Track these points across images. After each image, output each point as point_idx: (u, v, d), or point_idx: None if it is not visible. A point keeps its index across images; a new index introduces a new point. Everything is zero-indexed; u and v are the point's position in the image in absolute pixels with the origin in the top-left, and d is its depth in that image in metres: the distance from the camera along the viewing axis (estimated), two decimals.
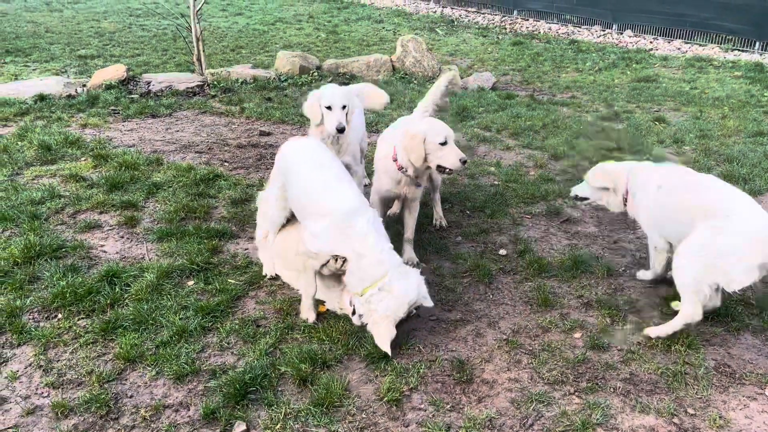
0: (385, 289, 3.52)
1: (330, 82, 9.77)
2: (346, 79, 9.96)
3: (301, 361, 3.41)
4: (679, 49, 13.21)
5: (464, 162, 4.15)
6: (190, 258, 4.41)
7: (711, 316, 3.89)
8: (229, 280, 4.22)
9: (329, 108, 4.55)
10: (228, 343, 3.64)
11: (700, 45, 13.20)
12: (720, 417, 3.11)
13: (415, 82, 10.17)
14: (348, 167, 4.84)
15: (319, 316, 3.90)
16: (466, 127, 7.83)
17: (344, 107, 4.55)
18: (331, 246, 3.64)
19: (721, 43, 13.00)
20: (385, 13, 18.34)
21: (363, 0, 20.72)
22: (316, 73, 10.09)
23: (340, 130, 4.51)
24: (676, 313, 3.69)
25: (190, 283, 4.20)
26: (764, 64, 11.49)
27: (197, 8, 9.38)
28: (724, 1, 12.82)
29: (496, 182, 6.06)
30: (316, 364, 3.43)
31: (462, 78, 10.62)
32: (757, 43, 12.42)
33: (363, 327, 3.61)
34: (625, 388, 3.32)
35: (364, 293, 3.55)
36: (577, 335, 3.76)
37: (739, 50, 12.62)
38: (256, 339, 3.66)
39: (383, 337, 3.45)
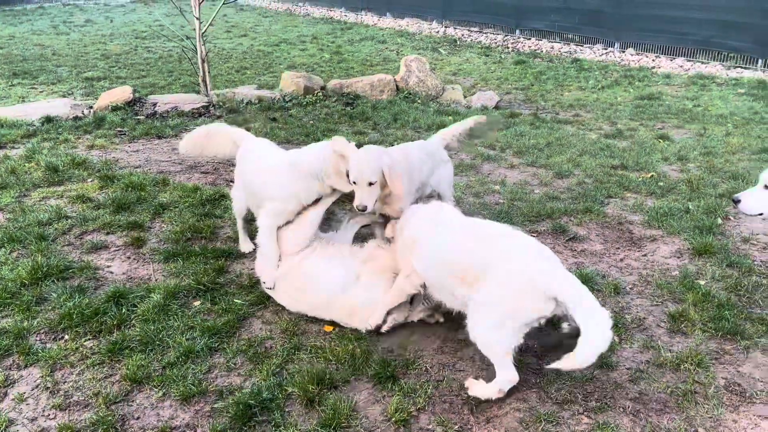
0: None
1: (334, 101, 9.88)
2: (351, 98, 10.03)
3: (308, 382, 3.40)
4: (681, 66, 13.27)
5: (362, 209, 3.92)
6: (197, 278, 4.42)
7: (721, 333, 3.88)
8: (236, 300, 4.22)
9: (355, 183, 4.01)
10: (235, 364, 3.63)
11: (703, 63, 13.25)
12: None
13: (419, 101, 10.23)
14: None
15: (326, 335, 3.89)
16: (470, 145, 7.85)
17: (371, 184, 3.94)
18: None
19: (723, 61, 13.05)
20: (388, 33, 18.52)
21: (366, 21, 20.95)
22: (320, 93, 10.16)
23: (362, 210, 3.97)
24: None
25: (197, 303, 4.21)
26: (767, 81, 11.53)
27: (202, 30, 9.49)
28: (726, 19, 12.89)
29: (501, 201, 6.06)
30: (323, 384, 3.42)
31: (465, 97, 10.70)
32: (760, 61, 12.47)
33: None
34: (635, 407, 3.29)
35: None
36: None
37: (741, 68, 12.66)
38: (263, 359, 3.65)
39: None
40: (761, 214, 3.74)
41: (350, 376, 3.52)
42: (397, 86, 10.60)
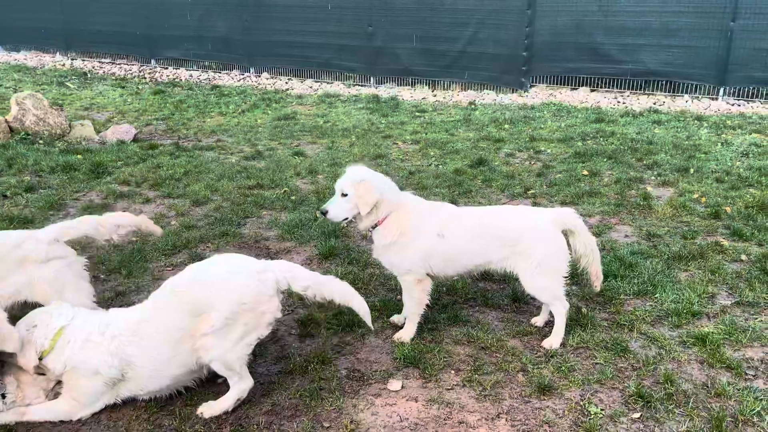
0: None
1: None
2: None
3: None
4: (311, 87, 14.49)
5: None
6: None
7: (341, 328, 4.23)
8: None
9: None
10: None
11: (328, 83, 14.69)
12: (351, 422, 3.34)
13: (41, 141, 9.14)
14: None
15: None
16: (101, 184, 7.29)
17: None
18: None
19: (344, 80, 14.66)
20: (2, 69, 16.25)
21: None
22: None
23: None
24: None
25: None
26: (379, 95, 13.30)
27: None
28: (340, 43, 14.50)
29: (134, 239, 5.71)
30: None
31: (99, 132, 9.92)
32: (372, 78, 14.34)
33: None
34: (268, 420, 3.36)
35: None
36: (221, 380, 3.70)
37: (359, 85, 14.39)
38: None
39: None
40: (346, 219, 4.10)
41: None
42: (10, 128, 9.29)
